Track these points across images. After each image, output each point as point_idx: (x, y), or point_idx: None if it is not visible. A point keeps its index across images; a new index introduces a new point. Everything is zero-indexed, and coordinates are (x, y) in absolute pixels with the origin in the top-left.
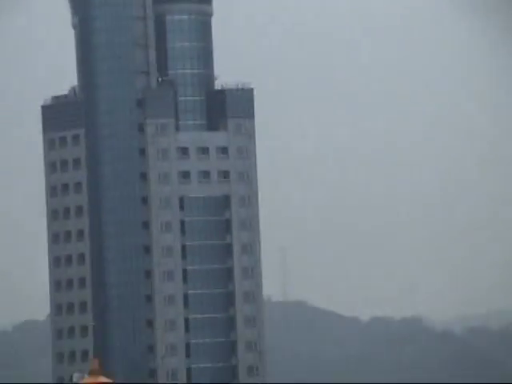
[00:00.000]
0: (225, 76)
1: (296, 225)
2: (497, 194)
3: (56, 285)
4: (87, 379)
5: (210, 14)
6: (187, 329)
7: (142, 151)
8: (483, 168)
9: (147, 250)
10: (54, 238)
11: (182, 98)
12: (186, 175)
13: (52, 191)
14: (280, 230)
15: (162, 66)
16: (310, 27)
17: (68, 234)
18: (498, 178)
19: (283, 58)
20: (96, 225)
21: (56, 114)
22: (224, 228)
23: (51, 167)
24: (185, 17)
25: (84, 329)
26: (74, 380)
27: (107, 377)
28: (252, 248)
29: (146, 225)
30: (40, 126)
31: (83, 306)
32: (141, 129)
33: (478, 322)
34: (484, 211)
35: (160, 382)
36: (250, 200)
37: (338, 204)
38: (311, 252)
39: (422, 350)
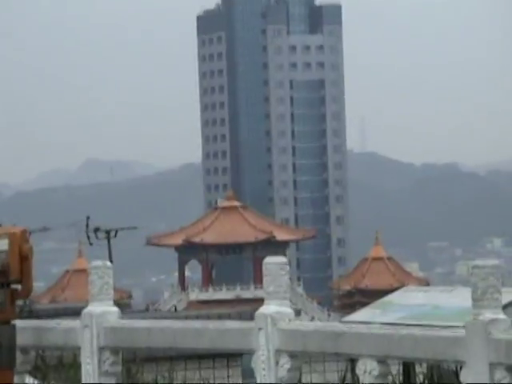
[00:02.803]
0: None
1: (373, 99)
2: None
3: (206, 139)
4: (226, 202)
5: None
6: (294, 169)
7: (264, 48)
8: None
9: (267, 116)
10: (203, 107)
11: (292, 11)
12: (294, 65)
13: (203, 76)
14: (361, 103)
15: None
16: None
17: (213, 106)
18: None
19: None
20: (232, 101)
21: (206, 22)
22: (319, 102)
23: (202, 59)
24: None
25: (224, 170)
26: (218, 203)
27: (239, 201)
28: (340, 116)
29: (266, 99)
30: (195, 30)
31: (224, 154)
32: (263, 32)
33: (501, 166)
34: None
35: (276, 208)
36: (338, 83)
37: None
38: (385, 117)
39: (454, 187)
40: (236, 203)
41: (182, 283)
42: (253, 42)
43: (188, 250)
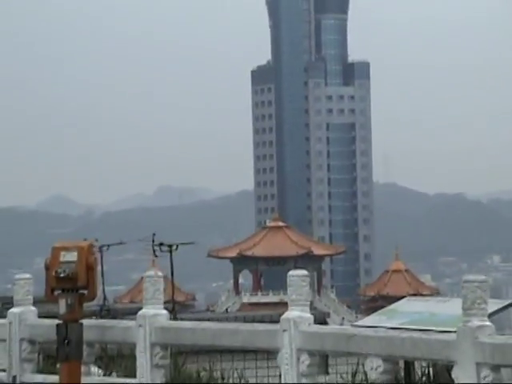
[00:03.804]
0: (354, 55)
1: (395, 139)
2: None
3: (257, 171)
4: (273, 223)
5: (346, 19)
6: (329, 197)
7: (306, 97)
8: None
9: (308, 153)
10: (256, 144)
11: (329, 67)
12: (330, 111)
13: (255, 119)
14: (385, 142)
15: (318, 48)
16: None
17: (264, 144)
18: None
19: (391, 45)
20: (279, 140)
21: (259, 75)
22: (350, 141)
23: (255, 106)
24: (331, 21)
25: (272, 196)
26: (267, 224)
27: (284, 222)
28: (367, 153)
29: (307, 139)
30: (250, 81)
31: (272, 183)
32: (305, 84)
33: (501, 195)
34: None
35: (314, 228)
36: (366, 125)
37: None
38: (404, 153)
39: (461, 212)
40: (281, 224)
41: (236, 288)
42: (297, 92)
43: (241, 262)
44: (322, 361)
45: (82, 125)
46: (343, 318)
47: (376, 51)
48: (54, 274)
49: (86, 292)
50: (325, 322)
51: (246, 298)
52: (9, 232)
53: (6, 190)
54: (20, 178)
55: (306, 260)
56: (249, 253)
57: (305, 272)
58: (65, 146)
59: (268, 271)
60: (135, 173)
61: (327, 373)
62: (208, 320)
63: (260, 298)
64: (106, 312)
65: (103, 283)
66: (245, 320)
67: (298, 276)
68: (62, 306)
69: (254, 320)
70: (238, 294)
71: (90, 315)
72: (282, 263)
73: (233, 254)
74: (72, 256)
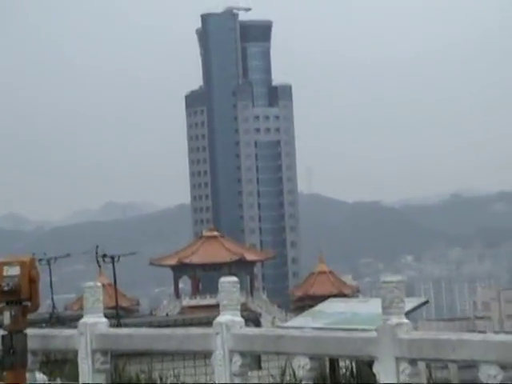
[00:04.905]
0: (279, 79)
1: (317, 154)
2: None
3: (193, 186)
4: (209, 232)
5: (269, 47)
6: (259, 207)
7: (235, 118)
8: None
9: (238, 168)
10: (191, 162)
11: (255, 90)
12: (257, 130)
13: (190, 139)
14: (307, 157)
15: (245, 73)
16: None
17: (198, 162)
18: None
19: (312, 70)
20: (212, 158)
21: (192, 99)
22: (276, 157)
23: (190, 127)
24: (256, 49)
25: (207, 208)
26: (203, 233)
27: (218, 232)
28: (292, 167)
29: (237, 156)
30: (183, 104)
31: (207, 197)
32: (234, 106)
33: (412, 202)
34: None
35: (246, 236)
36: (290, 142)
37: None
38: (325, 166)
39: (377, 218)
40: (216, 233)
41: (177, 293)
42: (227, 113)
43: (181, 269)
44: (255, 358)
45: (33, 145)
46: (274, 317)
47: (298, 75)
48: None
49: (29, 304)
50: (258, 322)
51: (186, 302)
52: None
53: None
54: None
55: (240, 265)
56: (187, 260)
57: (235, 278)
58: (17, 166)
59: (205, 276)
60: (82, 190)
61: (260, 368)
62: (149, 323)
63: (198, 301)
64: (56, 319)
65: (52, 292)
66: (184, 322)
67: (228, 282)
68: (6, 318)
69: (191, 322)
70: (179, 298)
71: (40, 322)
72: (218, 269)
73: (173, 261)
74: (15, 270)
